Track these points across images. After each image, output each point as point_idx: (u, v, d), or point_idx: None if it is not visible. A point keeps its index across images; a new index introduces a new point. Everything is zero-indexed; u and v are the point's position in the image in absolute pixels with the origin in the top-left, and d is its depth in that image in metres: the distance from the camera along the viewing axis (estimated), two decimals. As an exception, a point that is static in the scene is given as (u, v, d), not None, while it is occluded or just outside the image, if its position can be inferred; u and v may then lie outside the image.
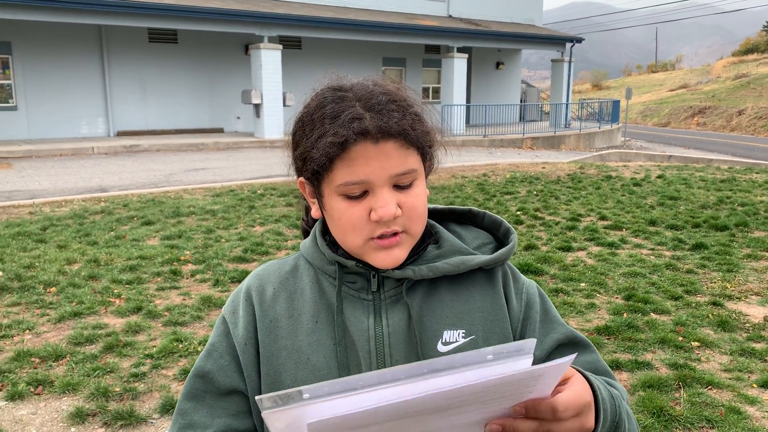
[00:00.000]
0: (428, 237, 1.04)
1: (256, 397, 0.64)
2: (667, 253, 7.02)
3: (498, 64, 29.70)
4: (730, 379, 3.94)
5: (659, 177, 13.16)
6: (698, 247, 7.19)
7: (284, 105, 20.26)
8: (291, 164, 1.02)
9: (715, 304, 5.34)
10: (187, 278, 5.99)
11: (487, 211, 1.11)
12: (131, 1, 17.17)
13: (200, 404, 1.01)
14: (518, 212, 9.23)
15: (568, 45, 27.31)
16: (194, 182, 12.09)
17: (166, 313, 5.01)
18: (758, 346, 4.46)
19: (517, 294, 1.04)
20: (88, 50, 19.88)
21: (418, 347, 0.96)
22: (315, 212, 1.01)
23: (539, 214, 9.13)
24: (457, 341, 0.98)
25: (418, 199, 0.94)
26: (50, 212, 8.94)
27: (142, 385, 3.82)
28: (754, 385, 3.86)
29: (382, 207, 0.90)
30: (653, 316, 5.02)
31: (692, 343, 4.46)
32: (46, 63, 19.27)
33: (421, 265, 0.99)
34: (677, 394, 3.71)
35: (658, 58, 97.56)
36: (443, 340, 0.97)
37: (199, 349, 4.30)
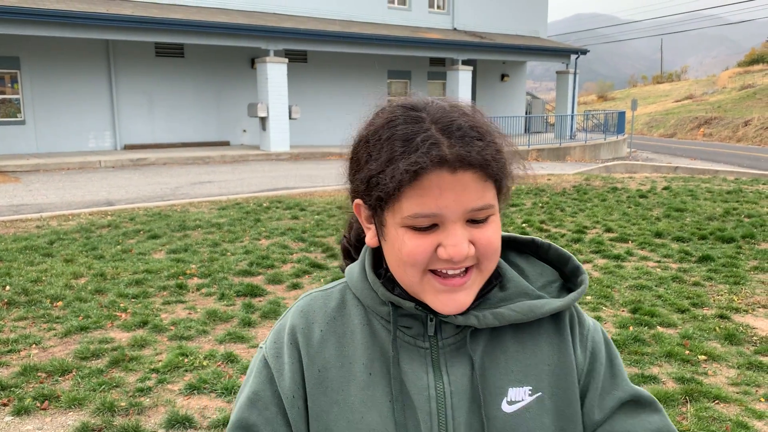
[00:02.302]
0: (495, 279, 0.93)
1: None
2: (674, 266, 7.00)
3: (503, 76, 29.80)
4: (737, 393, 3.92)
5: (665, 188, 13.12)
6: (705, 259, 7.17)
7: (290, 118, 20.39)
8: (348, 184, 0.92)
9: (722, 317, 5.31)
10: (192, 292, 6.00)
11: (552, 243, 1.00)
12: (139, 16, 17.34)
13: None
14: (524, 224, 9.22)
15: (573, 57, 27.40)
16: (200, 195, 12.14)
17: (171, 327, 5.02)
18: (766, 359, 4.43)
19: (582, 342, 0.95)
20: (95, 65, 20.06)
21: (482, 408, 0.87)
22: (370, 240, 0.91)
23: (545, 227, 9.12)
24: (523, 400, 0.89)
25: (495, 236, 0.85)
26: (57, 226, 8.99)
27: (147, 400, 3.82)
28: (762, 400, 3.84)
29: (453, 246, 0.81)
30: (660, 329, 5.00)
31: (699, 357, 4.44)
32: (54, 77, 19.44)
33: (485, 311, 0.89)
34: (684, 409, 3.69)
35: (663, 69, 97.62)
36: (508, 399, 0.89)
37: (204, 363, 4.31)
